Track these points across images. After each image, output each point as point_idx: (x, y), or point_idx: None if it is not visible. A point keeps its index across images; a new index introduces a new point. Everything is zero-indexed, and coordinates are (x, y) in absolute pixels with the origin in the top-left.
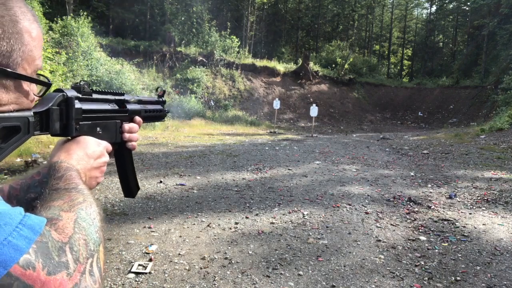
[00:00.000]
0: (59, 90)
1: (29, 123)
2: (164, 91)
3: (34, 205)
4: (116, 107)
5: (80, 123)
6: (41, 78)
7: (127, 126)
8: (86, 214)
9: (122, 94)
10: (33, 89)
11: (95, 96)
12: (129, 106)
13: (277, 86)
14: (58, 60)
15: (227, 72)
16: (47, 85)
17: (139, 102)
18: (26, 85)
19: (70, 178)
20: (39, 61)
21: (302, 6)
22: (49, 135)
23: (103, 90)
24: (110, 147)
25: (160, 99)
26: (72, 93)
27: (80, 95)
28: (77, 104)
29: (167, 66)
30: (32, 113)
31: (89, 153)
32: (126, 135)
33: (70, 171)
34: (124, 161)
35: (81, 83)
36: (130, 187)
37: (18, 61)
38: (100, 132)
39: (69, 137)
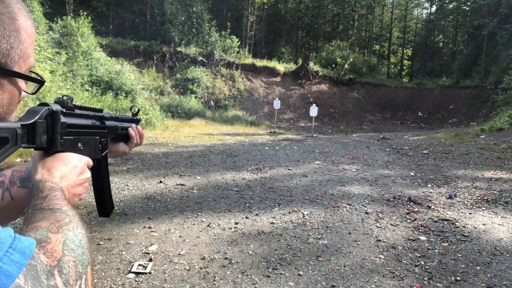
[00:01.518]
0: (44, 104)
1: (17, 134)
2: (139, 110)
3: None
4: (97, 123)
5: (64, 137)
6: (34, 76)
7: (134, 128)
8: (73, 236)
9: (101, 111)
10: (23, 87)
11: (77, 111)
12: (107, 123)
13: (277, 86)
14: (58, 60)
15: (227, 72)
16: (41, 82)
17: (116, 119)
18: (20, 83)
19: (54, 199)
20: (32, 59)
21: (302, 6)
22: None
23: (83, 106)
24: (91, 163)
25: (135, 118)
26: (57, 107)
27: (64, 110)
28: (62, 119)
29: (167, 66)
30: (19, 125)
31: (71, 169)
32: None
33: (54, 191)
34: (101, 179)
35: (64, 98)
36: (105, 205)
37: (15, 59)
38: (81, 148)
39: (49, 152)
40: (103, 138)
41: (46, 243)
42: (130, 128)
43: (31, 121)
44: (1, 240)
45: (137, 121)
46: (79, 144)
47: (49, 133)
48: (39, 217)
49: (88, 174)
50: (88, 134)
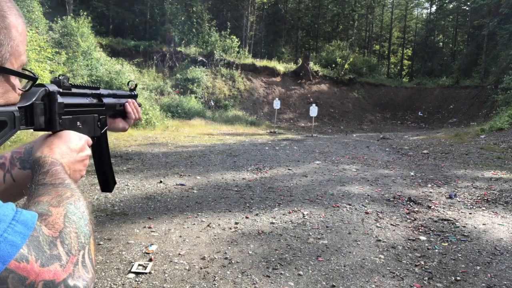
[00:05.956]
0: (40, 85)
1: (15, 117)
2: (136, 85)
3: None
4: (94, 101)
5: (63, 117)
6: (27, 73)
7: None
8: (75, 208)
9: (98, 88)
10: (17, 84)
11: (74, 90)
12: (105, 100)
13: (277, 86)
14: (58, 60)
15: (227, 72)
16: (34, 79)
17: (114, 96)
18: (12, 79)
19: (56, 173)
20: (24, 56)
21: (302, 6)
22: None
23: (79, 84)
24: (90, 141)
25: (132, 93)
26: (53, 88)
27: (60, 90)
28: (59, 99)
29: (167, 66)
30: (17, 108)
31: (72, 147)
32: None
33: (55, 166)
34: (101, 155)
35: (60, 77)
36: (107, 181)
37: (6, 56)
38: (80, 126)
39: (51, 132)
40: (101, 116)
41: (47, 216)
42: (126, 104)
43: (28, 103)
44: (4, 213)
45: (134, 97)
46: (78, 123)
47: (47, 113)
48: (41, 192)
49: (88, 151)
50: (86, 112)
